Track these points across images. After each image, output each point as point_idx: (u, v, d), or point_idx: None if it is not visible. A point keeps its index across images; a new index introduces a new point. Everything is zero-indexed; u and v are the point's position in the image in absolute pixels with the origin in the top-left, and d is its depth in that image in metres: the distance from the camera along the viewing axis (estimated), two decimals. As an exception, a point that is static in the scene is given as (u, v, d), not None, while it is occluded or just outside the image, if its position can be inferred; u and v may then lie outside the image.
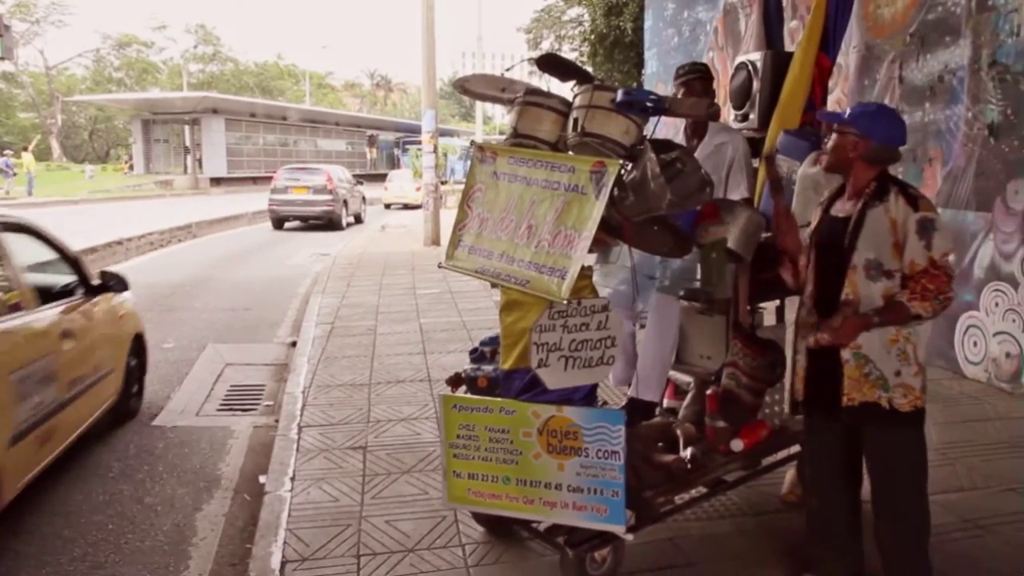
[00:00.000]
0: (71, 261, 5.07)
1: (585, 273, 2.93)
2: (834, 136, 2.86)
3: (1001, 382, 5.76)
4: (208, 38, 60.31)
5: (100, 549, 3.80)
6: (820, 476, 3.07)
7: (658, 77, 12.19)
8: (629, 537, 3.00)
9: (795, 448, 3.84)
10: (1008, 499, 3.94)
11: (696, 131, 3.89)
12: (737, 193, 3.68)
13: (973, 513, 3.74)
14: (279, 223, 20.37)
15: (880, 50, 6.99)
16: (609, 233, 3.02)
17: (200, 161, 40.53)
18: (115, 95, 48.55)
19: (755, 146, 3.79)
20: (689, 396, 3.92)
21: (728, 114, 4.09)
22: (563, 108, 3.03)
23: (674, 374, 4.05)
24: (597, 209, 2.69)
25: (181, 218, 19.93)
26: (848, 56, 7.40)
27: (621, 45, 15.51)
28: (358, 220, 22.59)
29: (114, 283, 5.33)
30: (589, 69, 17.53)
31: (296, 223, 20.73)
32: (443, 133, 30.76)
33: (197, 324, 8.85)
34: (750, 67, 3.85)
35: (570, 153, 3.00)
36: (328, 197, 19.99)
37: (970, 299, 5.99)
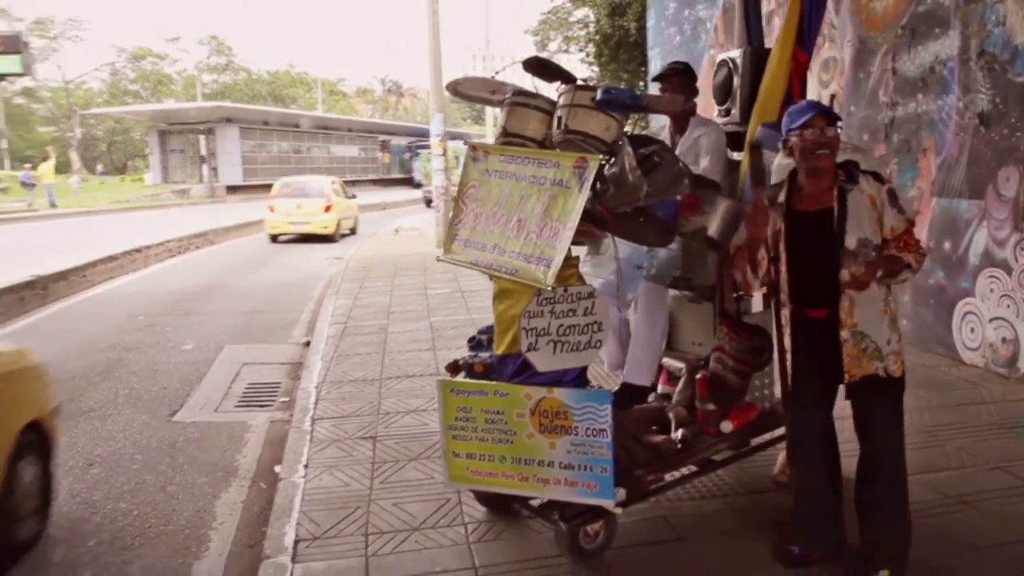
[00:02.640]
0: (344, 189, 20.55)
1: (571, 262, 3.11)
2: (829, 132, 2.95)
3: (998, 367, 5.88)
4: (221, 48, 60.94)
5: (126, 533, 4.03)
6: (807, 454, 3.23)
7: (662, 76, 12.32)
8: (618, 511, 3.18)
9: (785, 429, 3.99)
10: (994, 476, 4.07)
11: (679, 126, 4.07)
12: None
13: (957, 490, 3.88)
14: (428, 203, 29.73)
15: (873, 43, 7.12)
16: (595, 224, 3.20)
17: (216, 170, 41.00)
18: (131, 107, 49.19)
19: (737, 140, 3.95)
20: (681, 381, 4.09)
21: (712, 109, 4.25)
22: (548, 107, 3.22)
23: (668, 361, 4.23)
24: (580, 201, 2.87)
25: (198, 226, 20.26)
26: (843, 50, 7.53)
27: (626, 45, 15.66)
28: None
29: (355, 196, 21.50)
30: (595, 70, 17.74)
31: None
32: (453, 136, 31.27)
33: (215, 327, 9.10)
34: (731, 64, 4.02)
35: (556, 150, 3.18)
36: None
37: (966, 286, 6.11)
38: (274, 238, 19.21)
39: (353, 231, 20.90)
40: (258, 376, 7.01)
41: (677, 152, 3.96)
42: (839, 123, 3.01)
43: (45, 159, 30.88)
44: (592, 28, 17.54)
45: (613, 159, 3.08)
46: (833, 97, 3.55)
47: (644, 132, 4.18)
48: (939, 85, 6.36)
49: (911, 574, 3.04)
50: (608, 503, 3.10)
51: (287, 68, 68.71)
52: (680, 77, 4.03)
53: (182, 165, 43.68)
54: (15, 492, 3.66)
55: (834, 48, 7.71)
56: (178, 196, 37.01)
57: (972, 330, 6.11)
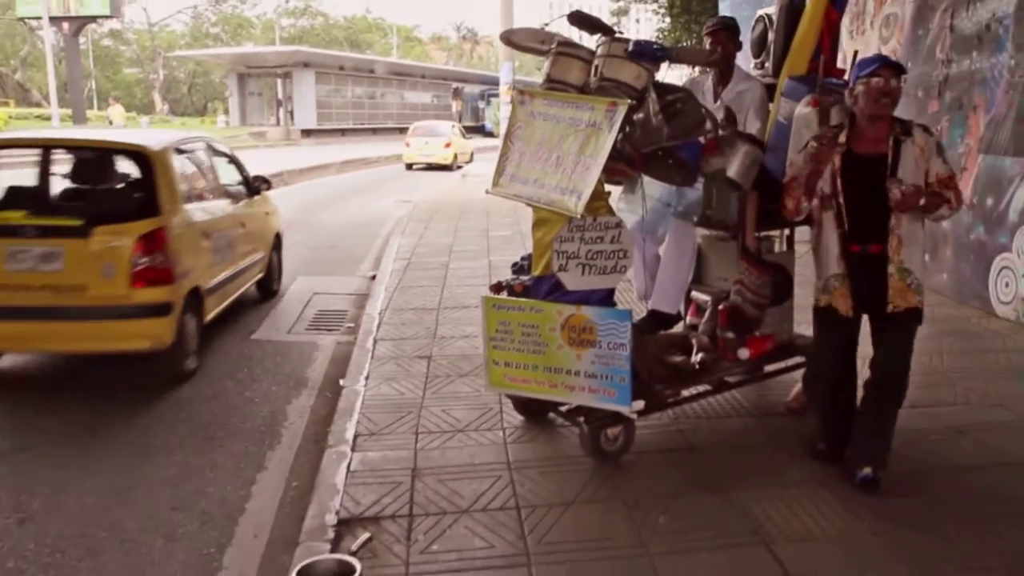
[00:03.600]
0: (463, 132, 27.70)
1: (601, 195, 3.50)
2: (893, 83, 3.29)
3: (1030, 321, 6.06)
4: (299, -8, 61.75)
5: (211, 427, 4.65)
6: (828, 369, 3.64)
7: (729, 28, 12.34)
8: (634, 416, 3.62)
9: (797, 359, 4.36)
10: (994, 413, 4.37)
11: (722, 78, 4.38)
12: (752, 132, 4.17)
13: (955, 422, 4.20)
14: None
15: None
16: (626, 164, 3.58)
17: (292, 113, 42.06)
18: (212, 50, 50.45)
19: (770, 91, 4.25)
20: (707, 313, 4.47)
21: (748, 62, 4.53)
22: (589, 57, 3.57)
23: (696, 294, 4.61)
24: (608, 141, 3.26)
25: (273, 167, 21.12)
26: (904, 6, 7.58)
27: (697, -4, 15.61)
28: None
29: (471, 137, 26.74)
30: (667, 20, 17.68)
31: None
32: (525, 85, 31.32)
33: (288, 259, 9.63)
34: (767, 19, 4.29)
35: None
36: None
37: (1004, 241, 6.27)
38: (409, 166, 25.45)
39: (469, 162, 26.91)
40: (327, 304, 7.62)
41: (719, 102, 4.29)
42: (903, 76, 3.34)
43: (115, 101, 32.35)
44: (665, -22, 17.44)
45: (640, 104, 3.44)
46: (856, 53, 3.78)
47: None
48: (993, 43, 6.42)
49: (893, 484, 3.43)
50: (625, 409, 3.54)
51: (363, 13, 69.39)
52: (728, 32, 4.34)
53: (259, 108, 44.87)
54: (271, 267, 7.59)
55: (896, 4, 7.76)
56: (255, 138, 38.15)
57: (1007, 284, 6.28)
